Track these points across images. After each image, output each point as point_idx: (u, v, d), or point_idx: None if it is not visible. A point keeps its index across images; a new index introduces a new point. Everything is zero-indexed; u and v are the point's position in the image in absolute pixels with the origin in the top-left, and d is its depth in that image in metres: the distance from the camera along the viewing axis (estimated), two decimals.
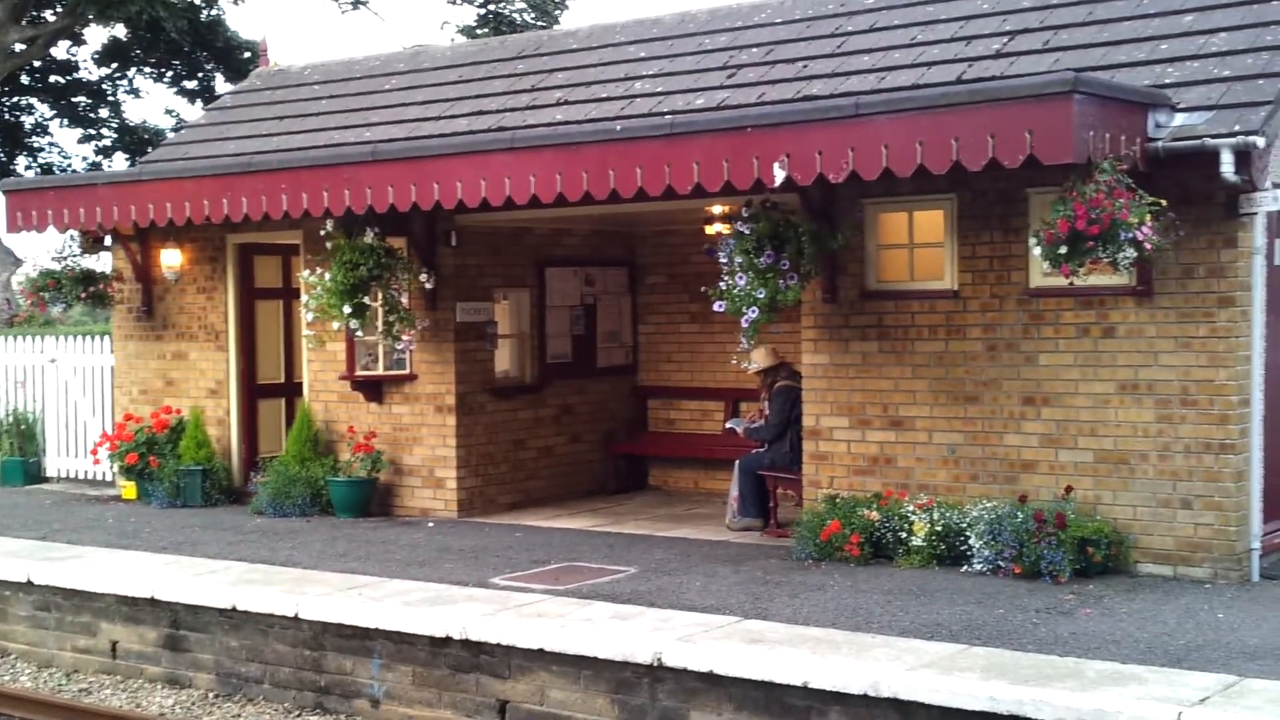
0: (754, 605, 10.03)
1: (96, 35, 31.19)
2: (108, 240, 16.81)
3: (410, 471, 14.73)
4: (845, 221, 11.97)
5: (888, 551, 11.44)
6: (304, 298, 14.15)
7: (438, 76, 16.71)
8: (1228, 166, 10.08)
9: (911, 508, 11.46)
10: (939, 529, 11.19)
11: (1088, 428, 11.07)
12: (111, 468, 16.69)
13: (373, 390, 14.86)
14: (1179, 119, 10.53)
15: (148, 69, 31.50)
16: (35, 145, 32.70)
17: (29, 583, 12.17)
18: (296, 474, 14.73)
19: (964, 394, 11.64)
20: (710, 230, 14.35)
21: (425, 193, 12.52)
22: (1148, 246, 9.88)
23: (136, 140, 30.98)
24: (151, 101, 57.34)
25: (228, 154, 16.46)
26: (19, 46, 27.84)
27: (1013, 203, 11.33)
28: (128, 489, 16.35)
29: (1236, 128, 10.15)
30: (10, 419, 18.71)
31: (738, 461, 13.58)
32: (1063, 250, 9.88)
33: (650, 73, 14.58)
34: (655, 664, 8.98)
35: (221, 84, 30.53)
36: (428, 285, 14.20)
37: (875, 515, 11.51)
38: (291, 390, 16.47)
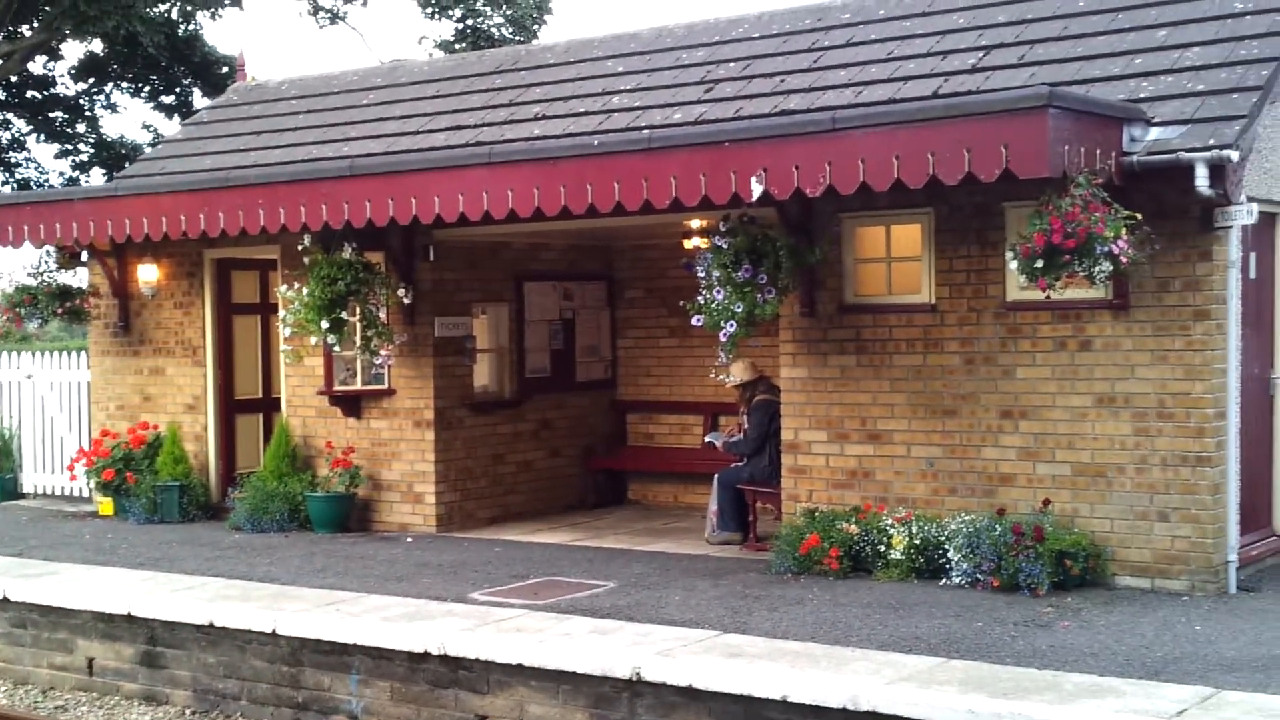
0: (733, 619, 10.02)
1: (73, 50, 31.18)
2: (84, 256, 16.78)
3: (389, 486, 14.70)
4: (823, 235, 12.00)
5: (867, 565, 11.44)
6: (281, 313, 14.12)
7: (415, 91, 16.71)
8: (1202, 180, 10.12)
9: (890, 521, 11.47)
10: (917, 542, 11.19)
11: (1065, 441, 11.11)
12: (88, 484, 16.63)
13: (351, 405, 14.83)
14: (1154, 133, 10.58)
15: (125, 84, 31.44)
16: (12, 160, 32.59)
17: (4, 599, 12.11)
18: (274, 489, 14.69)
19: (942, 407, 11.67)
20: (688, 244, 14.36)
21: (403, 208, 12.51)
22: (1123, 260, 9.92)
23: (114, 155, 30.90)
24: (129, 116, 57.26)
25: (205, 169, 16.44)
26: None
27: (989, 217, 11.37)
28: (105, 505, 16.28)
29: (1211, 142, 10.20)
30: None
31: (717, 475, 13.58)
32: (1039, 264, 9.92)
33: (628, 87, 14.61)
34: (634, 678, 8.96)
35: (199, 99, 30.47)
36: (405, 300, 14.18)
37: (854, 529, 11.52)
38: (269, 405, 16.44)
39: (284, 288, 14.09)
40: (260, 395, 16.68)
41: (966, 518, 11.14)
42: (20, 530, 15.39)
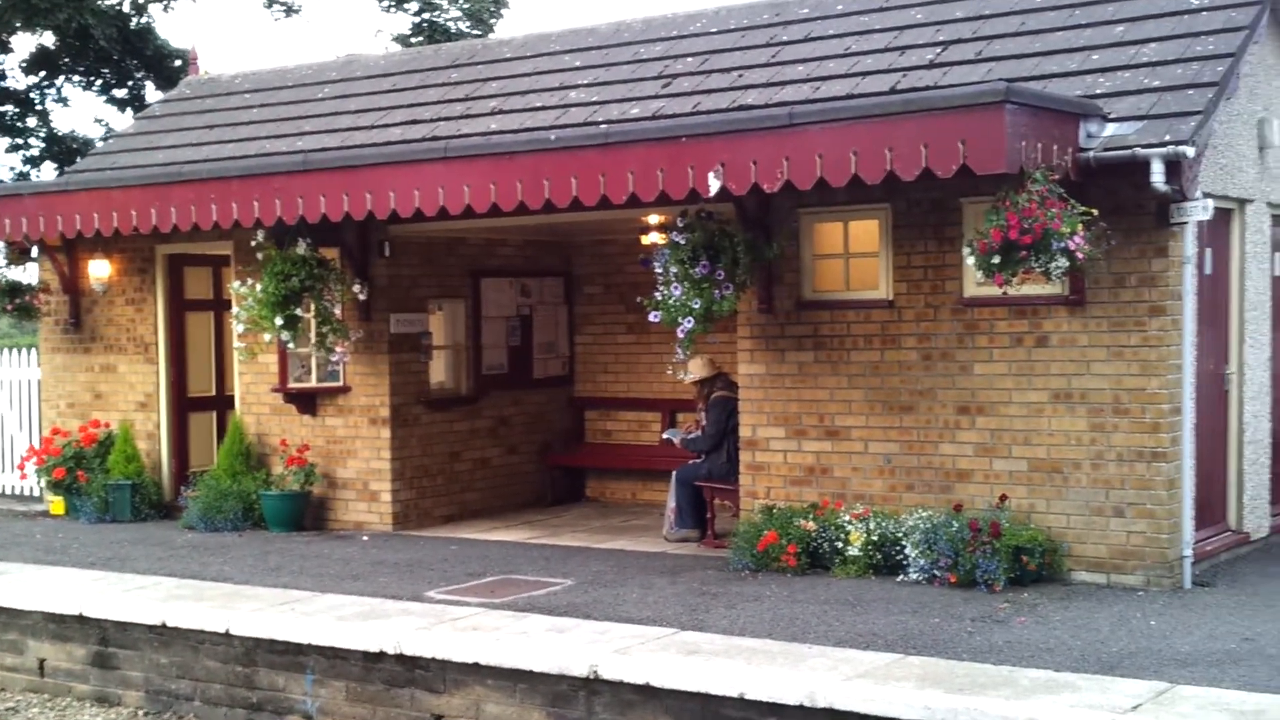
0: (691, 616, 9.99)
1: (24, 43, 30.85)
2: (34, 251, 16.58)
3: (344, 484, 14.60)
4: (781, 231, 11.99)
5: (824, 561, 11.44)
6: (235, 309, 14.00)
7: (371, 85, 16.60)
8: (1158, 176, 10.16)
9: (848, 517, 11.47)
10: (875, 539, 11.20)
11: (1022, 436, 11.13)
12: (39, 483, 16.48)
13: (306, 402, 14.72)
14: (1110, 129, 10.60)
15: (76, 77, 31.11)
16: None
17: None
18: (228, 488, 14.57)
19: (899, 403, 11.67)
20: (646, 240, 14.33)
21: (358, 203, 12.42)
22: (1080, 256, 9.94)
23: (65, 149, 30.59)
24: (80, 110, 56.64)
25: (157, 163, 16.30)
26: None
27: (947, 212, 11.38)
28: (56, 504, 16.12)
29: (1167, 138, 10.24)
30: None
31: (675, 472, 13.56)
32: (996, 260, 9.93)
33: (585, 82, 14.55)
34: (591, 676, 8.92)
35: (152, 92, 30.19)
36: (361, 296, 14.09)
37: (812, 525, 11.51)
38: (223, 403, 16.31)
39: (237, 284, 13.98)
40: (214, 393, 16.54)
41: (924, 514, 11.15)
42: None
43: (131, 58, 29.72)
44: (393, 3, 31.46)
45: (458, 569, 12.15)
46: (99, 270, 16.01)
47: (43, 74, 30.96)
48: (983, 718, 7.63)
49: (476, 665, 9.39)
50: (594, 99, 14.09)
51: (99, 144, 26.91)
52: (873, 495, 11.78)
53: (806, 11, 14.11)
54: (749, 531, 11.76)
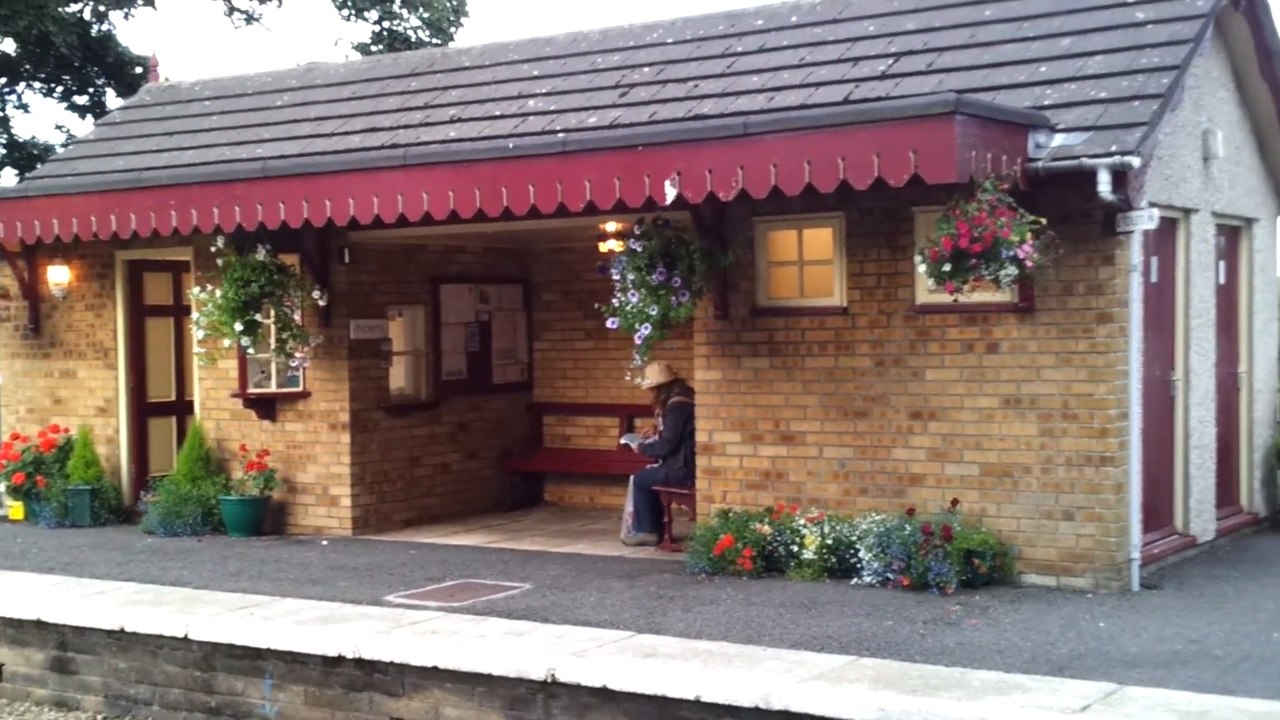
0: (648, 620, 10.09)
1: None
2: None
3: (304, 489, 14.64)
4: (736, 239, 12.11)
5: (780, 565, 11.56)
6: (195, 315, 14.03)
7: (331, 93, 16.64)
8: (1105, 186, 10.31)
9: (803, 521, 11.59)
10: (829, 542, 11.32)
11: (973, 441, 11.28)
12: None
13: (266, 408, 14.76)
14: (1058, 139, 10.77)
15: (37, 84, 30.98)
16: None
17: None
18: (188, 493, 14.59)
19: (853, 409, 11.81)
20: (604, 248, 14.43)
21: (317, 210, 12.47)
22: (1028, 264, 10.11)
23: (25, 156, 30.43)
24: (41, 116, 56.27)
25: (117, 170, 16.27)
26: None
27: (899, 221, 11.53)
28: (15, 509, 16.09)
29: (1113, 148, 10.39)
30: None
31: (632, 477, 13.66)
32: (947, 268, 10.09)
33: (543, 91, 14.65)
34: (549, 680, 9.01)
35: (113, 99, 30.07)
36: (321, 302, 14.14)
37: (767, 529, 11.63)
38: (183, 408, 16.31)
39: (197, 290, 13.99)
40: (173, 398, 16.55)
41: (877, 518, 11.29)
42: None
43: (92, 65, 29.62)
44: (353, 12, 31.43)
45: (417, 573, 12.22)
46: (58, 276, 15.99)
47: (3, 80, 30.82)
48: (935, 719, 7.76)
49: (435, 669, 9.46)
50: (552, 108, 14.19)
51: (59, 150, 26.82)
52: (827, 499, 11.92)
53: (761, 23, 14.25)
54: (705, 535, 11.87)
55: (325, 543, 14.00)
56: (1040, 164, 10.56)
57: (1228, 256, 13.21)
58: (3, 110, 31.31)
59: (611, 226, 13.90)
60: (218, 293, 13.48)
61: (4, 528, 15.64)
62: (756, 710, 8.29)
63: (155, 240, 14.46)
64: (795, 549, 11.45)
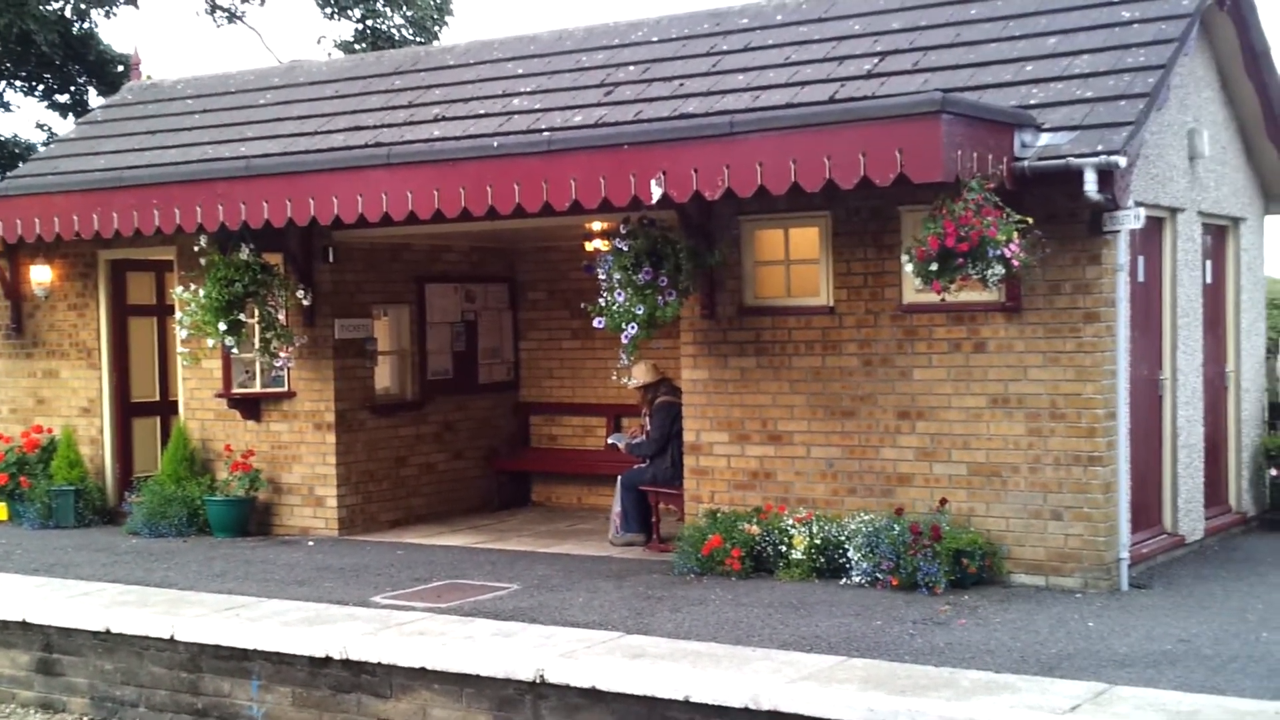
0: (636, 620, 10.07)
1: None
2: None
3: (289, 490, 14.60)
4: (723, 238, 12.10)
5: (768, 565, 11.55)
6: (178, 314, 13.97)
7: (314, 92, 16.59)
8: (1091, 185, 10.32)
9: (791, 521, 11.58)
10: (818, 542, 11.31)
11: (961, 441, 11.28)
12: None
13: (250, 408, 14.71)
14: (1044, 139, 10.77)
15: (18, 82, 30.83)
16: None
17: None
18: (172, 493, 14.53)
19: (841, 409, 11.81)
20: (589, 247, 14.41)
21: (301, 208, 12.43)
22: (1015, 263, 10.11)
23: (6, 154, 30.29)
24: (22, 115, 56.01)
25: (99, 169, 16.20)
26: None
27: (886, 220, 11.53)
28: None
29: (1099, 148, 10.40)
30: None
31: (620, 477, 13.64)
32: (934, 267, 10.08)
33: (528, 90, 14.61)
34: (538, 680, 8.99)
35: (94, 98, 29.93)
36: (305, 302, 14.10)
37: (755, 529, 11.62)
38: (167, 408, 16.26)
39: (180, 289, 13.93)
40: (157, 398, 16.50)
41: (866, 518, 11.28)
42: None
43: (74, 63, 29.48)
44: (336, 10, 31.33)
45: (404, 574, 12.18)
46: (41, 275, 15.92)
47: None
48: (924, 719, 7.75)
49: (423, 670, 9.43)
50: (537, 106, 14.16)
51: (41, 149, 26.69)
52: (815, 499, 11.91)
53: (746, 22, 14.24)
54: (694, 536, 11.86)
55: (311, 543, 13.96)
56: (1026, 163, 10.56)
57: (1214, 256, 13.23)
58: None
59: (597, 225, 13.89)
60: (201, 292, 13.44)
61: None
62: (746, 710, 8.29)
63: (138, 239, 14.40)
64: (784, 549, 11.44)
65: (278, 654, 10.05)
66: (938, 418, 11.38)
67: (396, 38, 31.27)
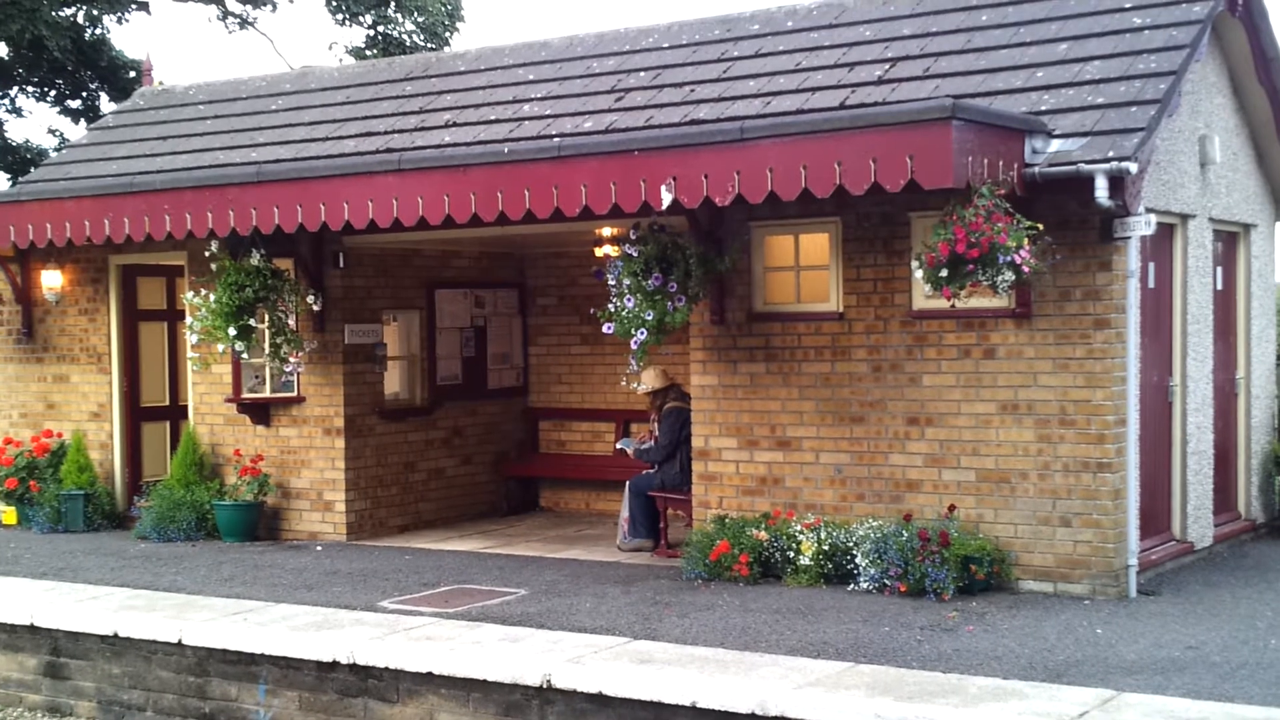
0: (643, 626, 10.07)
1: None
2: None
3: (298, 494, 14.61)
4: (732, 244, 12.09)
5: (776, 571, 11.54)
6: (189, 319, 13.99)
7: (325, 97, 16.62)
8: (1102, 192, 10.31)
9: (799, 527, 11.57)
10: (826, 548, 11.30)
11: (970, 447, 11.26)
12: None
13: (260, 413, 14.73)
14: (1055, 145, 10.76)
15: (30, 88, 30.95)
16: None
17: None
18: (181, 498, 14.55)
19: (850, 414, 11.79)
20: (599, 252, 14.40)
21: (312, 214, 12.45)
22: (1025, 270, 10.10)
23: (19, 160, 30.40)
24: (34, 121, 56.23)
25: (110, 174, 16.26)
26: None
27: (896, 226, 11.52)
28: (8, 514, 16.03)
29: (1110, 154, 10.39)
30: None
31: (628, 482, 13.63)
32: (944, 273, 10.07)
33: (538, 95, 14.63)
34: (544, 686, 8.98)
35: (106, 103, 30.04)
36: (315, 307, 14.12)
37: (764, 535, 11.61)
38: (176, 413, 16.27)
39: (191, 294, 13.96)
40: (167, 403, 16.51)
41: (874, 524, 11.27)
42: None
43: (86, 69, 29.59)
44: (347, 16, 31.39)
45: (412, 579, 12.18)
46: (52, 280, 15.97)
47: None
48: None
49: (430, 675, 9.43)
50: (547, 112, 14.17)
51: (52, 154, 26.77)
52: (824, 505, 11.89)
53: (757, 28, 14.24)
54: (702, 541, 11.85)
55: (319, 548, 13.96)
56: (1037, 169, 10.55)
57: (1225, 262, 13.20)
58: None
59: (607, 231, 13.88)
60: (211, 297, 13.45)
61: None
62: (753, 716, 8.28)
63: (149, 245, 14.42)
64: (792, 555, 11.43)
65: (285, 658, 10.06)
66: (947, 424, 11.36)
67: (408, 44, 31.33)
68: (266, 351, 13.90)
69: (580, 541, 14.20)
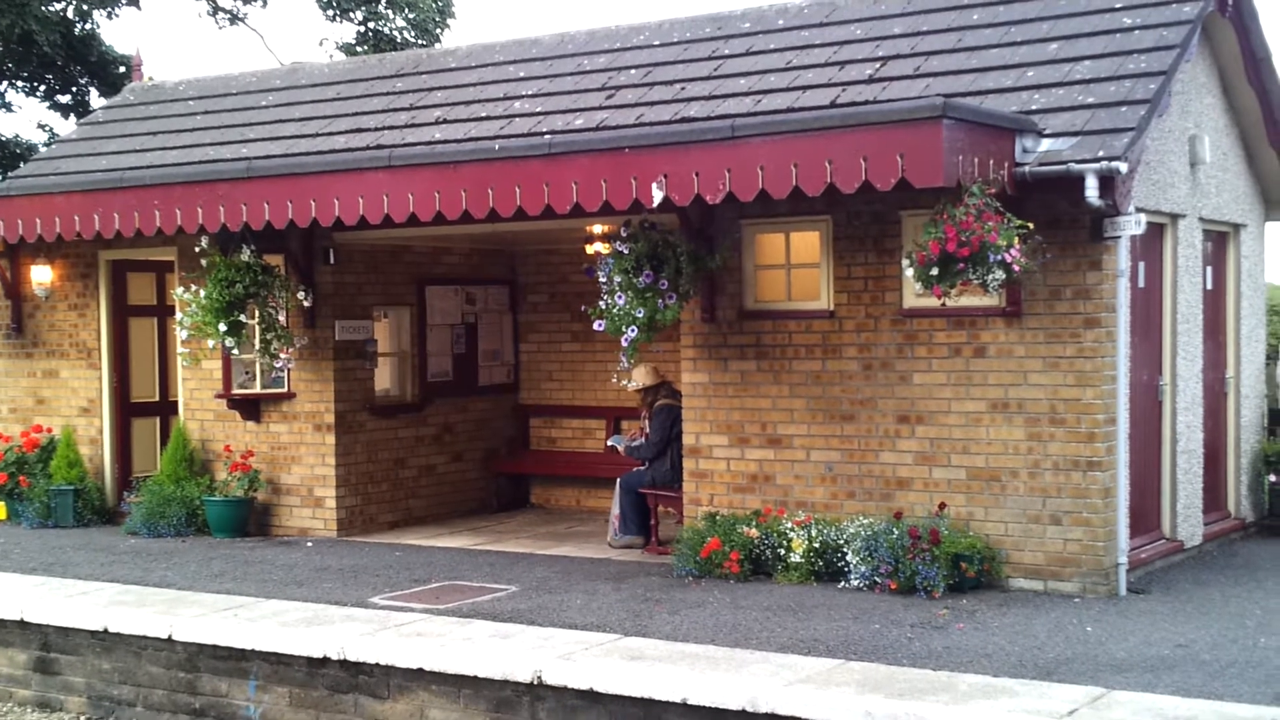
0: (634, 623, 10.08)
1: None
2: None
3: (289, 490, 14.60)
4: (723, 242, 12.10)
5: (767, 568, 11.55)
6: (179, 315, 13.98)
7: (316, 94, 16.60)
8: (1092, 191, 10.33)
9: (790, 525, 11.59)
10: (817, 546, 11.32)
11: (960, 445, 11.28)
12: None
13: (250, 409, 14.72)
14: (1045, 144, 10.77)
15: (20, 83, 30.87)
16: None
17: None
18: (171, 494, 14.53)
19: (840, 412, 11.81)
20: (590, 250, 14.41)
21: (302, 210, 12.44)
22: (1016, 268, 10.11)
23: (8, 155, 30.32)
24: (23, 115, 56.10)
25: (100, 169, 16.20)
26: None
27: (886, 224, 11.53)
28: None
29: (1100, 153, 10.41)
30: None
31: (619, 479, 13.64)
32: (934, 271, 10.08)
33: (529, 92, 14.63)
34: (535, 682, 8.99)
35: (96, 99, 29.97)
36: (306, 303, 14.11)
37: (754, 532, 11.62)
38: (167, 409, 16.27)
39: (181, 290, 13.94)
40: (157, 398, 16.50)
41: (864, 521, 11.29)
42: None
43: (75, 64, 29.51)
44: (338, 12, 31.35)
45: (402, 575, 12.18)
46: (41, 275, 15.94)
47: None
48: None
49: (420, 671, 9.44)
50: (538, 109, 14.17)
51: (42, 149, 26.73)
52: (814, 503, 11.91)
53: (748, 26, 14.25)
54: (692, 538, 11.86)
55: (310, 544, 13.96)
56: (1027, 168, 10.57)
57: (1215, 262, 13.24)
58: None
59: (598, 228, 13.89)
60: (202, 293, 13.44)
61: None
62: (743, 713, 8.29)
63: (139, 240, 14.41)
64: (782, 552, 11.44)
65: (275, 654, 10.06)
66: (937, 422, 11.38)
67: (398, 40, 31.29)
68: (257, 347, 13.89)
69: (571, 538, 14.21)
